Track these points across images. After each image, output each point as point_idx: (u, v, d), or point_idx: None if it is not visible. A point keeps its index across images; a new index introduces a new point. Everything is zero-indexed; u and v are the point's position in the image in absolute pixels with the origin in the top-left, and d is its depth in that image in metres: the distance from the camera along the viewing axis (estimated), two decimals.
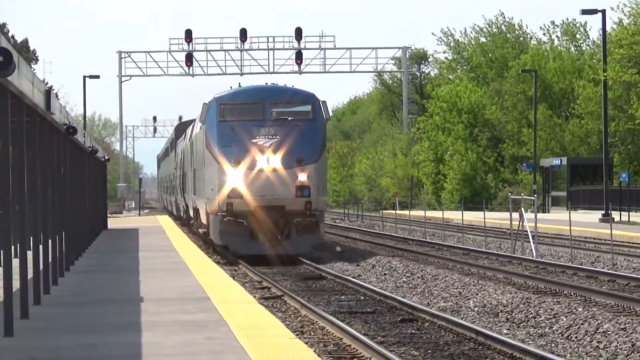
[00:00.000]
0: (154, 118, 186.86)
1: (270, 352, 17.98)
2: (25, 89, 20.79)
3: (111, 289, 29.94)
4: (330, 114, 49.60)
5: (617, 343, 22.47)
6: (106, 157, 75.43)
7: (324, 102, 45.55)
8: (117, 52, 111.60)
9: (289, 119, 45.26)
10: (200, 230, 53.66)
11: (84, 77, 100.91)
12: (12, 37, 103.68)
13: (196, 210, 55.12)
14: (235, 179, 44.26)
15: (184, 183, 66.23)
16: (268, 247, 43.86)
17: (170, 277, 32.84)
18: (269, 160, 44.23)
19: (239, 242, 44.19)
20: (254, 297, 28.75)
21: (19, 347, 19.14)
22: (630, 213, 74.69)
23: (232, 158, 44.39)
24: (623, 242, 50.14)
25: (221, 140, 44.94)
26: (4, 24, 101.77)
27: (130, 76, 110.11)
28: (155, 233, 62.21)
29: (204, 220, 49.86)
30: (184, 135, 71.70)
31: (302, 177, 44.25)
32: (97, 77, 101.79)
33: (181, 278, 32.53)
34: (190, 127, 62.79)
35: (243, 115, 45.26)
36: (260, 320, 22.46)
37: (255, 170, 44.32)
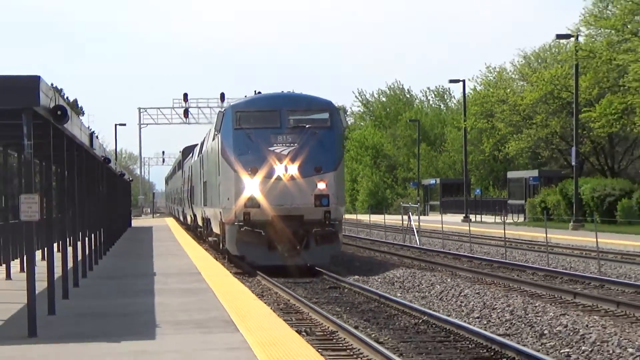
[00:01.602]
0: (163, 152, 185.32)
1: (241, 308, 18.04)
2: (76, 133, 20.80)
3: (134, 267, 29.87)
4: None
5: (474, 302, 22.64)
6: (130, 179, 75.23)
7: (342, 109, 29.51)
8: (137, 108, 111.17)
9: (307, 126, 31.50)
10: (211, 239, 40.66)
11: (115, 124, 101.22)
12: (67, 98, 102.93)
13: (207, 220, 41.49)
14: (252, 187, 30.91)
15: (191, 195, 53.02)
16: (286, 257, 30.89)
17: (174, 259, 32.66)
18: (287, 168, 31.01)
19: (256, 252, 30.92)
20: (230, 272, 28.65)
21: (72, 306, 19.14)
22: (482, 216, 75.26)
23: (248, 166, 31.02)
24: (477, 235, 50.46)
25: (237, 148, 31.41)
26: (61, 89, 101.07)
27: (147, 124, 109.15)
28: (164, 230, 62.04)
29: (215, 229, 37.05)
30: (190, 155, 58.04)
31: (321, 185, 31.12)
32: (124, 124, 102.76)
33: (181, 259, 32.36)
34: (199, 145, 49.06)
35: (260, 122, 31.61)
36: (234, 287, 22.49)
37: (273, 178, 30.92)
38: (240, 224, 30.81)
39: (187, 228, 63.94)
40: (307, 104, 32.46)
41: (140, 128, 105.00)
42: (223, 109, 33.21)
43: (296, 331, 15.98)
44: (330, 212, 30.89)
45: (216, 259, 34.02)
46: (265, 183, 30.83)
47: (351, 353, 15.88)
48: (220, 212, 32.68)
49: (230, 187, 31.36)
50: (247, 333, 14.71)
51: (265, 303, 20.58)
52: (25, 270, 17.33)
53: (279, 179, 30.90)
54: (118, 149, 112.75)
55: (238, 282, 24.36)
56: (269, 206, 30.70)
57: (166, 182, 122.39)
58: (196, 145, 53.73)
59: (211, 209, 37.06)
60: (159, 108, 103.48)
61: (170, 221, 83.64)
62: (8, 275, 25.82)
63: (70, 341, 14.35)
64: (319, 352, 13.83)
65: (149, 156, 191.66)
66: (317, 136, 31.38)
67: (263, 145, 31.04)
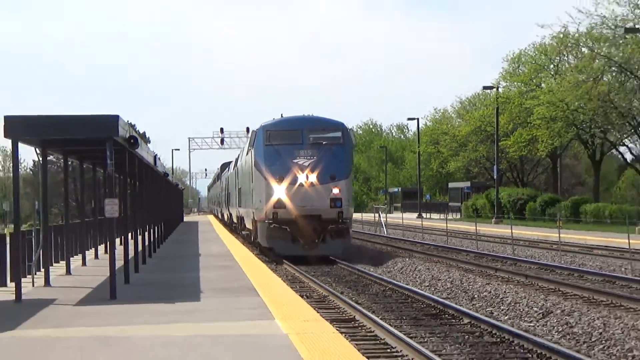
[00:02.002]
0: (205, 168, 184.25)
1: (260, 279, 18.03)
2: (144, 155, 20.86)
3: (185, 250, 29.72)
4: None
5: (425, 275, 22.66)
6: (182, 188, 75.13)
7: (351, 129, 25.87)
8: (188, 138, 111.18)
9: (324, 143, 28.72)
10: (244, 233, 37.33)
11: (172, 149, 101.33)
12: (138, 130, 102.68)
13: (241, 218, 38.09)
14: (279, 192, 28.18)
15: (228, 199, 49.79)
16: (307, 249, 28.25)
17: (213, 244, 32.52)
18: (307, 177, 28.31)
19: (282, 245, 28.21)
20: (253, 253, 28.63)
21: (141, 277, 19.12)
22: (431, 214, 75.23)
23: (276, 175, 28.29)
24: (427, 227, 50.34)
25: (268, 160, 28.62)
26: (134, 124, 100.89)
27: (194, 149, 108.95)
28: (206, 224, 61.85)
29: (247, 225, 33.91)
30: (227, 169, 54.45)
31: (335, 191, 28.39)
32: (178, 149, 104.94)
33: (218, 244, 32.24)
34: (233, 161, 45.46)
35: (285, 139, 28.72)
36: (256, 264, 22.46)
37: (296, 185, 28.21)
38: (270, 221, 28.26)
39: (223, 223, 63.76)
40: (324, 124, 29.55)
41: (189, 152, 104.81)
42: (255, 128, 30.35)
43: (300, 295, 16.01)
44: (342, 212, 28.35)
45: (243, 245, 33.96)
46: (290, 189, 28.20)
47: (338, 311, 15.93)
48: (253, 212, 30.03)
49: (261, 191, 28.63)
50: (265, 297, 14.74)
51: (278, 275, 20.60)
52: (108, 252, 17.37)
53: (301, 185, 28.25)
54: (174, 167, 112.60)
55: (259, 261, 24.33)
56: (293, 207, 28.09)
57: (208, 190, 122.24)
58: (231, 162, 52.54)
59: (244, 209, 34.61)
60: (203, 138, 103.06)
61: (211, 218, 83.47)
62: (96, 256, 25.89)
63: (140, 302, 14.38)
64: (315, 310, 13.87)
65: (195, 171, 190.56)
66: (332, 151, 28.76)
67: (288, 158, 28.42)
